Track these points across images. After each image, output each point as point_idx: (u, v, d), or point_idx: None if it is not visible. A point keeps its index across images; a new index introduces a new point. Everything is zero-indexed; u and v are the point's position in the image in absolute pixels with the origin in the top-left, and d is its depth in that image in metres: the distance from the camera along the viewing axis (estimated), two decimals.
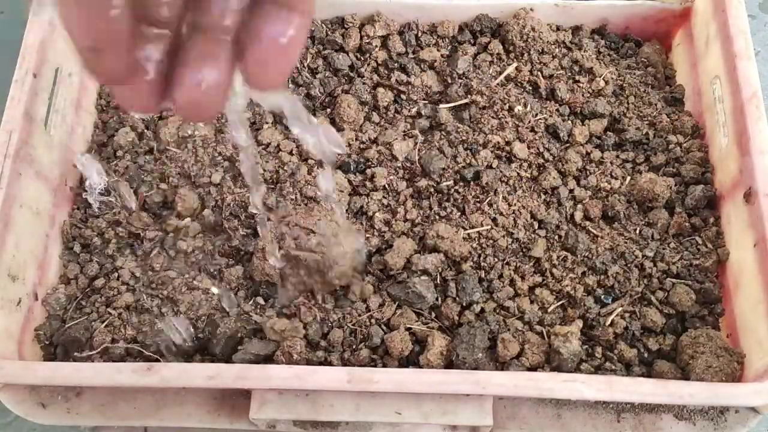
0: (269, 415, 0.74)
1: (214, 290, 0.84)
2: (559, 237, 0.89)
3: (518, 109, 0.97)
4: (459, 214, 0.89)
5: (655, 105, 0.99)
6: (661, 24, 1.04)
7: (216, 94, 0.39)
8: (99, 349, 0.81)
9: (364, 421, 0.75)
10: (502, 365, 0.80)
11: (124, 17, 0.35)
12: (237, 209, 0.90)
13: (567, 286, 0.85)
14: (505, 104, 0.97)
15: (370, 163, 0.93)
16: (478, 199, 0.90)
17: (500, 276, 0.85)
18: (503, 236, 0.88)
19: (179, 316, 0.84)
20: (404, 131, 0.97)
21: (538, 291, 0.85)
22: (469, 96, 0.97)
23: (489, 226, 0.88)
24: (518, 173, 0.92)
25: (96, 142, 0.97)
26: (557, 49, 1.02)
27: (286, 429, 0.78)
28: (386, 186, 0.91)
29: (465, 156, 0.92)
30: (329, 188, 0.77)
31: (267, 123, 0.97)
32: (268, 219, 0.85)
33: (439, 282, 0.85)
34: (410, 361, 0.81)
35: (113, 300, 0.86)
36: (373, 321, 0.84)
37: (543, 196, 0.91)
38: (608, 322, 0.83)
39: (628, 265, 0.87)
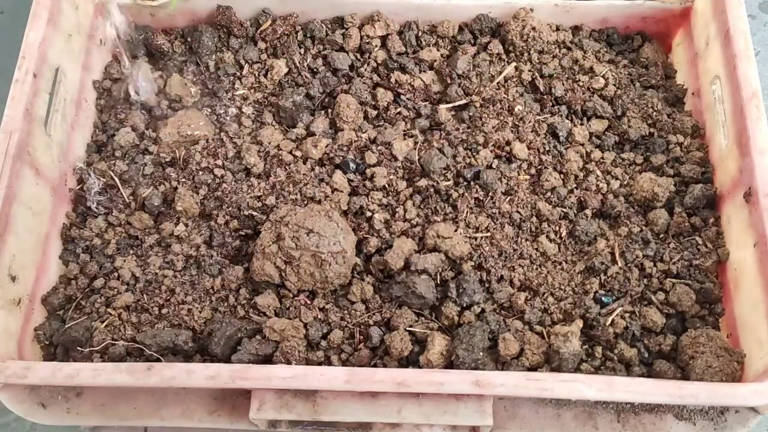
0: (269, 415, 0.74)
1: None
2: (560, 237, 0.89)
3: (518, 109, 0.97)
4: (459, 213, 0.89)
5: (655, 105, 0.99)
6: (661, 24, 1.04)
7: None
8: (99, 348, 0.81)
9: (364, 421, 0.75)
10: (502, 365, 0.80)
11: None
12: (236, 210, 0.90)
13: (567, 286, 0.86)
14: (504, 104, 0.97)
15: (369, 163, 0.93)
16: (478, 199, 0.90)
17: (501, 276, 0.85)
18: (503, 236, 0.88)
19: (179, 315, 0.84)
20: (404, 131, 0.97)
21: (538, 291, 0.85)
22: (468, 96, 0.97)
23: (489, 227, 0.88)
24: (518, 173, 0.92)
25: (96, 142, 0.97)
26: (557, 49, 1.02)
27: (286, 429, 0.78)
28: (386, 186, 0.91)
29: (465, 156, 0.92)
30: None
31: (267, 123, 0.97)
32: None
33: (439, 282, 0.85)
34: (410, 361, 0.81)
35: (113, 300, 0.86)
36: (372, 321, 0.84)
37: (543, 196, 0.91)
38: (608, 322, 0.83)
39: (628, 265, 0.87)
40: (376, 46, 1.02)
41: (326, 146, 0.94)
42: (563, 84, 0.99)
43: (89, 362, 0.80)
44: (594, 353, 0.81)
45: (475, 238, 0.87)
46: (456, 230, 0.87)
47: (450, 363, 0.79)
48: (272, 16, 1.02)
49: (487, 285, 0.85)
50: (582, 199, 0.91)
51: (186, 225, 0.90)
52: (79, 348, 0.82)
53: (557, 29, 1.03)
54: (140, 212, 0.91)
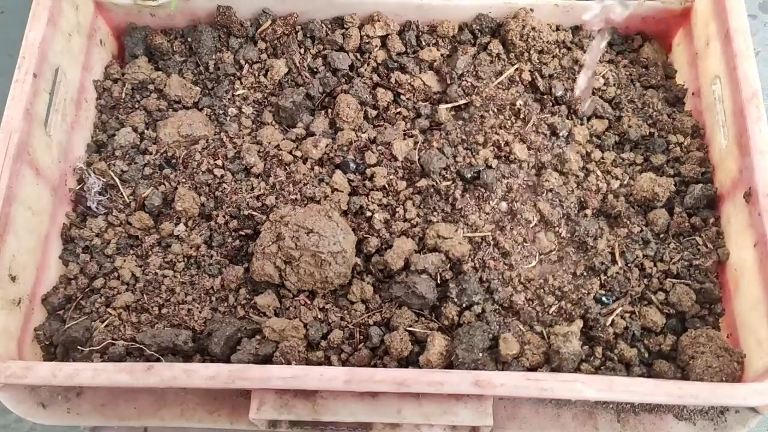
0: (269, 415, 0.74)
1: None
2: (560, 237, 0.89)
3: (518, 109, 0.97)
4: (459, 213, 0.89)
5: (655, 105, 0.99)
6: (661, 24, 1.04)
7: None
8: (99, 348, 0.81)
9: (364, 421, 0.75)
10: (502, 365, 0.80)
11: None
12: (236, 210, 0.90)
13: (567, 286, 0.86)
14: (505, 104, 0.97)
15: (369, 163, 0.93)
16: (478, 199, 0.90)
17: (501, 276, 0.85)
18: (503, 236, 0.88)
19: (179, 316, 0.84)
20: (404, 131, 0.97)
21: (538, 291, 0.85)
22: (468, 96, 0.97)
23: (489, 227, 0.88)
24: (518, 173, 0.92)
25: (96, 142, 0.97)
26: (557, 49, 1.02)
27: (286, 429, 0.78)
28: (386, 186, 0.91)
29: (465, 156, 0.92)
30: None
31: (266, 123, 0.97)
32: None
33: (439, 282, 0.85)
34: (410, 361, 0.81)
35: (113, 300, 0.86)
36: (372, 321, 0.84)
37: (543, 196, 0.91)
38: (608, 322, 0.83)
39: (628, 265, 0.87)
40: (376, 46, 1.02)
41: (326, 146, 0.94)
42: (563, 84, 0.99)
43: (89, 362, 0.80)
44: (594, 353, 0.81)
45: (476, 238, 0.87)
46: (456, 230, 0.87)
47: (450, 363, 0.79)
48: (272, 16, 1.02)
49: (487, 285, 0.85)
50: (582, 199, 0.91)
51: (186, 225, 0.90)
52: (79, 348, 0.82)
53: (557, 29, 1.03)
54: (140, 212, 0.91)
